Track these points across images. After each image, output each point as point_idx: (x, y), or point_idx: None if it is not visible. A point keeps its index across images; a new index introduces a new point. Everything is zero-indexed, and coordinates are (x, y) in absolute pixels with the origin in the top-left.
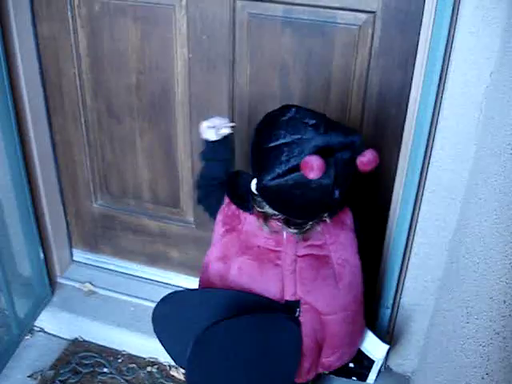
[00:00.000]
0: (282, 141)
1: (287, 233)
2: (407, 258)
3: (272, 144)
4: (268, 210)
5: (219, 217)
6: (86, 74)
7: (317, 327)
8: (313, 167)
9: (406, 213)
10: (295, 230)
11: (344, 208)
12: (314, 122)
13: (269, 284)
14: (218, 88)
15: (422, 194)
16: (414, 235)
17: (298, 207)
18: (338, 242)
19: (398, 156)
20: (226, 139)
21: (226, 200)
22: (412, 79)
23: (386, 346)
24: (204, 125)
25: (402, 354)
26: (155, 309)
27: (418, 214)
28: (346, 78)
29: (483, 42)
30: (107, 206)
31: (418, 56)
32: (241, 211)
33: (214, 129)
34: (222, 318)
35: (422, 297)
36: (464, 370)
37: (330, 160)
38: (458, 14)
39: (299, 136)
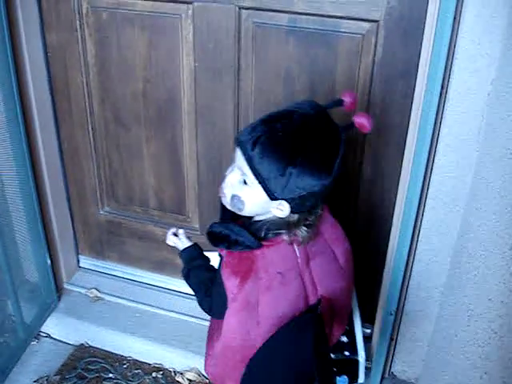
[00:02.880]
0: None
1: (300, 238)
2: (411, 265)
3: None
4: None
5: (225, 273)
6: (93, 82)
7: (330, 312)
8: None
9: (409, 219)
10: (309, 230)
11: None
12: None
13: (295, 298)
14: (223, 96)
15: (425, 201)
16: (417, 242)
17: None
18: (334, 235)
19: (401, 164)
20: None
21: (223, 253)
22: (414, 88)
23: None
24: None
25: (406, 361)
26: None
27: (421, 220)
28: (349, 87)
29: (484, 49)
30: (114, 213)
31: (420, 64)
32: (250, 252)
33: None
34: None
35: (426, 303)
36: (465, 373)
37: None
38: (459, 22)
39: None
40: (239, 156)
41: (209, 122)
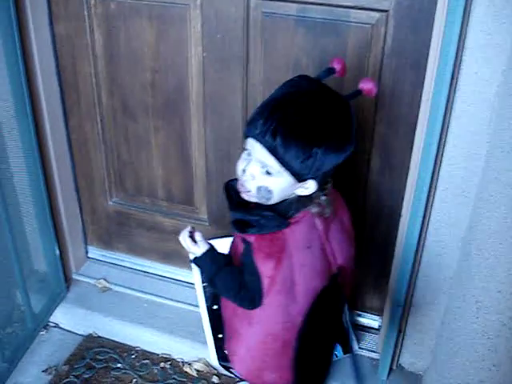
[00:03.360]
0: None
1: (325, 209)
2: (419, 256)
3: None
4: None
5: (258, 258)
6: (101, 73)
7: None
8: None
9: (418, 211)
10: (328, 198)
11: None
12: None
13: (323, 267)
14: (231, 87)
15: (435, 193)
16: (426, 233)
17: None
18: (338, 202)
19: (411, 155)
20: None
21: (253, 239)
22: (424, 78)
23: None
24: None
25: (415, 353)
26: None
27: (430, 212)
28: (359, 77)
29: (495, 40)
30: (122, 204)
31: (430, 55)
32: (278, 232)
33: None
34: None
35: (434, 295)
36: (473, 365)
37: None
38: (469, 12)
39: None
40: (257, 148)
41: (217, 113)
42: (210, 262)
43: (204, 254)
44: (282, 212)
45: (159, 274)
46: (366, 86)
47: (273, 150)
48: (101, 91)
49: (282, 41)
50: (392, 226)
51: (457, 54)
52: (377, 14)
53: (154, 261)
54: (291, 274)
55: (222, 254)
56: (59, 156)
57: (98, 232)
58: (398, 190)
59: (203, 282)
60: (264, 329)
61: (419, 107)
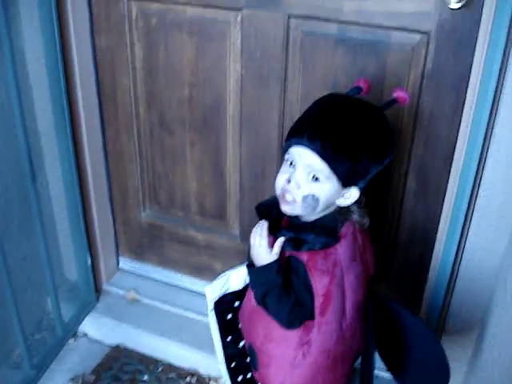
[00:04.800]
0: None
1: (364, 220)
2: (453, 282)
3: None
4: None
5: (314, 275)
6: (140, 86)
7: None
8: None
9: (454, 235)
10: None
11: None
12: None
13: (366, 278)
14: (269, 104)
15: (471, 217)
16: (461, 258)
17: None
18: None
19: (448, 178)
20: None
21: (306, 258)
22: (464, 101)
23: None
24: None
25: None
26: None
27: (466, 237)
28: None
29: None
30: (155, 216)
31: (471, 78)
32: (330, 248)
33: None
34: None
35: (468, 323)
36: None
37: None
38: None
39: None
40: (306, 154)
41: (253, 130)
42: (275, 273)
43: (274, 263)
44: (331, 227)
45: (189, 287)
46: (400, 94)
47: (323, 154)
48: (139, 104)
49: (321, 60)
50: (427, 250)
51: (499, 78)
52: (418, 36)
53: (184, 274)
54: (343, 289)
55: (282, 271)
56: (95, 166)
57: (129, 243)
58: (434, 213)
59: (253, 288)
60: (318, 348)
61: (458, 130)
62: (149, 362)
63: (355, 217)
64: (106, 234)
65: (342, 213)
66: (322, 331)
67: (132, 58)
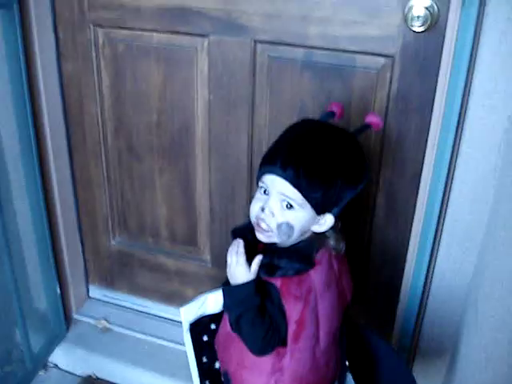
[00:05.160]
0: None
1: (340, 246)
2: (425, 302)
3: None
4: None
5: (287, 301)
6: (108, 112)
7: None
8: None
9: (423, 257)
10: (340, 236)
11: None
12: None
13: (343, 304)
14: (237, 129)
15: (440, 238)
16: (431, 279)
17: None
18: None
19: (416, 199)
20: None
21: (279, 283)
22: (430, 123)
23: None
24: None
25: None
26: None
27: (435, 258)
28: (364, 121)
29: (500, 86)
30: (125, 244)
31: (435, 100)
32: (304, 273)
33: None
34: None
35: (440, 342)
36: None
37: None
38: (475, 59)
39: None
40: (279, 182)
41: (222, 155)
42: (253, 293)
43: (252, 282)
44: (306, 253)
45: (161, 315)
46: (373, 120)
47: (296, 182)
48: (106, 130)
49: (288, 84)
50: (397, 272)
51: (463, 99)
52: (382, 60)
53: (155, 301)
54: (316, 316)
55: (257, 292)
56: (63, 194)
57: (99, 271)
58: (403, 234)
59: (228, 310)
60: (291, 376)
61: (425, 152)
62: None
63: (331, 243)
64: (75, 262)
65: (318, 238)
66: (295, 358)
67: (99, 84)
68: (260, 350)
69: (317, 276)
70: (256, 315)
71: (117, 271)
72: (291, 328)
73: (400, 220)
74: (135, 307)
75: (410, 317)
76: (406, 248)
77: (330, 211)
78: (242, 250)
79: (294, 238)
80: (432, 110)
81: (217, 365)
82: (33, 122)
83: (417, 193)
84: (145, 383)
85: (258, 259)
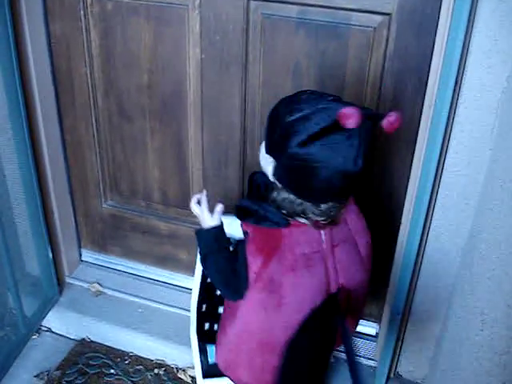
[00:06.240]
0: (306, 111)
1: (325, 228)
2: (419, 264)
3: (297, 115)
4: (316, 210)
5: (250, 250)
6: (97, 73)
7: (346, 304)
8: (351, 115)
9: (418, 218)
10: (325, 217)
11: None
12: (332, 97)
13: (319, 284)
14: (230, 89)
15: (436, 199)
16: (426, 241)
17: (323, 180)
18: (359, 225)
19: (412, 161)
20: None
21: (250, 230)
22: (427, 83)
23: None
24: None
25: (413, 361)
26: None
27: (431, 219)
28: (360, 81)
29: (500, 45)
30: (117, 207)
31: (433, 60)
32: (276, 230)
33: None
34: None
35: (434, 303)
36: (479, 378)
37: None
38: (474, 17)
39: (323, 105)
40: None
41: (215, 115)
42: (213, 238)
43: (212, 228)
44: (280, 210)
45: (153, 278)
46: (389, 117)
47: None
48: (96, 92)
49: (282, 43)
50: (392, 232)
51: (461, 59)
52: (379, 17)
53: (148, 264)
54: (280, 275)
55: (227, 237)
56: (53, 157)
57: (91, 235)
58: (398, 195)
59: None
60: (241, 323)
61: (421, 112)
62: (115, 355)
63: (309, 214)
64: (67, 226)
65: (293, 203)
66: (246, 308)
67: (88, 44)
68: (223, 292)
69: (290, 238)
70: (219, 259)
71: (109, 235)
72: (250, 276)
73: (395, 181)
74: (128, 270)
75: (404, 278)
76: (401, 209)
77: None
78: (204, 199)
79: (270, 178)
80: (429, 70)
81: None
82: (21, 84)
83: (412, 154)
84: (138, 346)
85: (219, 207)
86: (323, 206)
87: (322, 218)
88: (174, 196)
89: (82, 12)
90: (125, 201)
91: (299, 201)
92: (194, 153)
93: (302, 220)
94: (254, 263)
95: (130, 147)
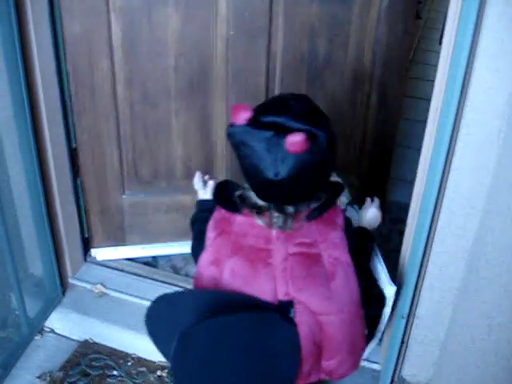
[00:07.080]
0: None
1: (276, 229)
2: (424, 267)
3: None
4: (258, 201)
5: (210, 223)
6: (118, 65)
7: (314, 328)
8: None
9: (424, 221)
10: (281, 221)
11: (335, 207)
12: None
13: (261, 283)
14: (255, 58)
15: (442, 202)
16: (431, 244)
17: (248, 168)
18: (329, 240)
19: (404, 91)
20: None
21: (216, 207)
22: (418, 27)
23: (394, 288)
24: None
25: (417, 365)
26: (148, 309)
27: (436, 222)
28: (361, 32)
29: (507, 48)
30: (137, 194)
31: (440, 63)
32: (230, 214)
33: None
34: (205, 317)
35: (439, 307)
36: (484, 383)
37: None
38: (481, 20)
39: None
40: None
41: (241, 84)
42: (199, 209)
43: (202, 200)
44: (230, 197)
45: (158, 278)
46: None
47: None
48: (116, 84)
49: (301, 10)
50: (387, 158)
51: (468, 62)
52: None
53: (171, 241)
54: (224, 254)
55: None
56: (57, 158)
57: (107, 232)
58: (392, 122)
59: None
60: (196, 272)
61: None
62: (118, 357)
63: (250, 206)
64: (71, 226)
65: (247, 197)
66: (198, 264)
67: (109, 38)
68: (192, 255)
69: (240, 226)
70: (200, 227)
71: (128, 224)
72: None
73: (389, 112)
74: (131, 271)
75: (409, 281)
76: (395, 133)
77: None
78: (196, 177)
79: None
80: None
81: None
82: (26, 85)
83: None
84: (141, 348)
85: (211, 182)
86: (261, 203)
87: (266, 220)
88: (198, 169)
89: (105, 8)
90: (144, 186)
91: (247, 185)
92: (219, 126)
93: (250, 212)
94: (209, 235)
95: (152, 132)
